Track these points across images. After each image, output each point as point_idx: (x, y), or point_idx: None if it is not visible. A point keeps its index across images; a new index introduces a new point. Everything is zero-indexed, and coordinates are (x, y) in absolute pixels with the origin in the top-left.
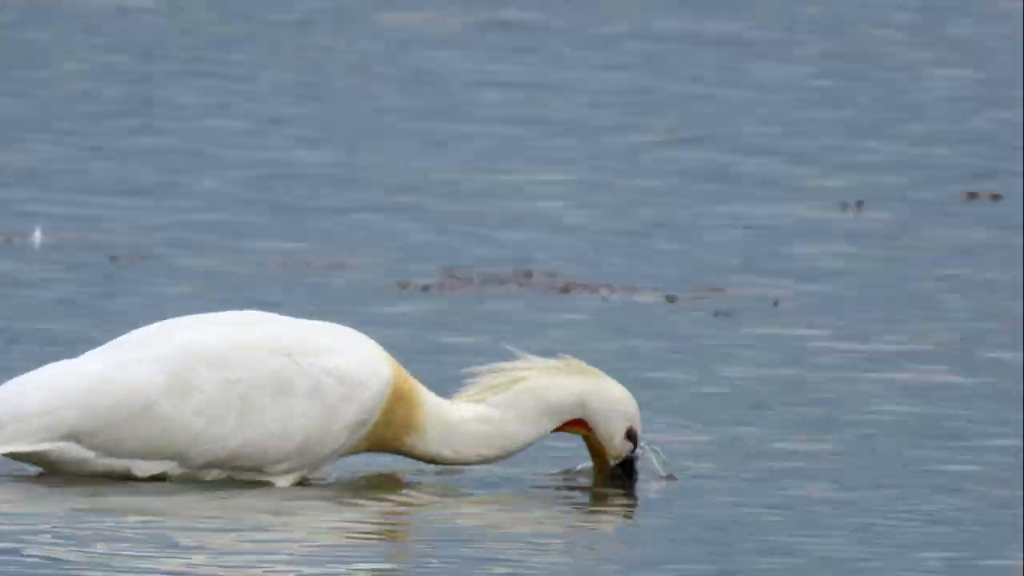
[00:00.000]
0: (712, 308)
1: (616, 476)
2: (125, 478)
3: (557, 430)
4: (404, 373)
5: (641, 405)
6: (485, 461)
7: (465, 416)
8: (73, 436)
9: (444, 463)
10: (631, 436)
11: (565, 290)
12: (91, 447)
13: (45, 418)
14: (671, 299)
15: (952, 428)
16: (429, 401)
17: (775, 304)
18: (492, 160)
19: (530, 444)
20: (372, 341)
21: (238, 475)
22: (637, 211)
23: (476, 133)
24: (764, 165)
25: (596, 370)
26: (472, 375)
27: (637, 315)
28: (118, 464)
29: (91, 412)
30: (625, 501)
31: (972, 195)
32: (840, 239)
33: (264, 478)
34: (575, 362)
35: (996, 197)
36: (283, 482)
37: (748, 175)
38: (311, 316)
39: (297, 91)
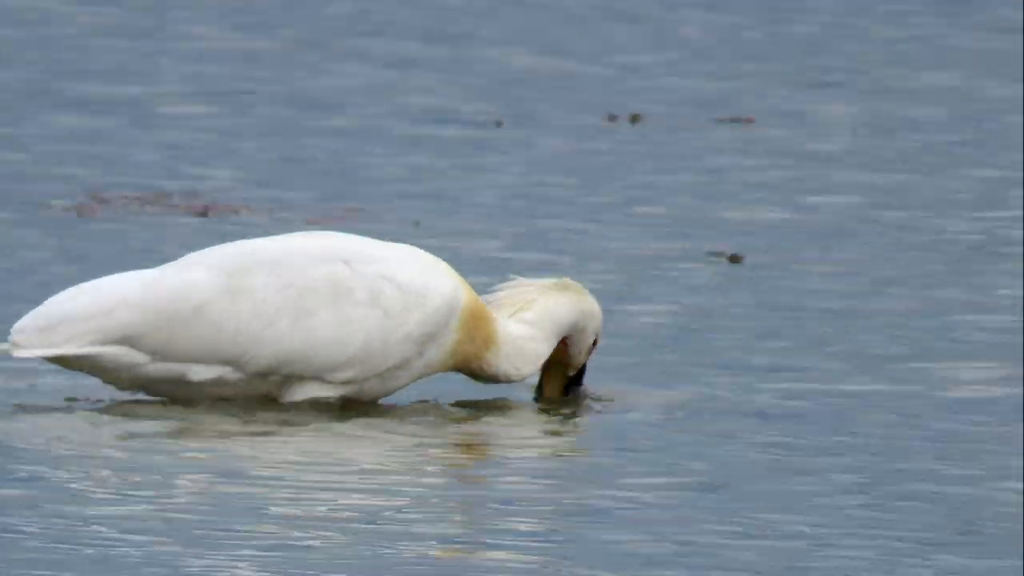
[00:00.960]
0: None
1: (569, 387)
2: (180, 384)
3: None
4: (474, 293)
5: None
6: (523, 379)
7: (521, 333)
8: (126, 339)
9: (506, 381)
10: (594, 345)
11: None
12: (144, 350)
13: (98, 320)
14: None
15: None
16: (496, 318)
17: (416, 224)
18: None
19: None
20: (441, 261)
21: (298, 384)
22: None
23: None
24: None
25: (579, 286)
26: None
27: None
28: (173, 368)
29: (143, 313)
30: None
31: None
32: None
33: (325, 389)
34: (566, 280)
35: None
36: (335, 391)
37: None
38: None
39: None
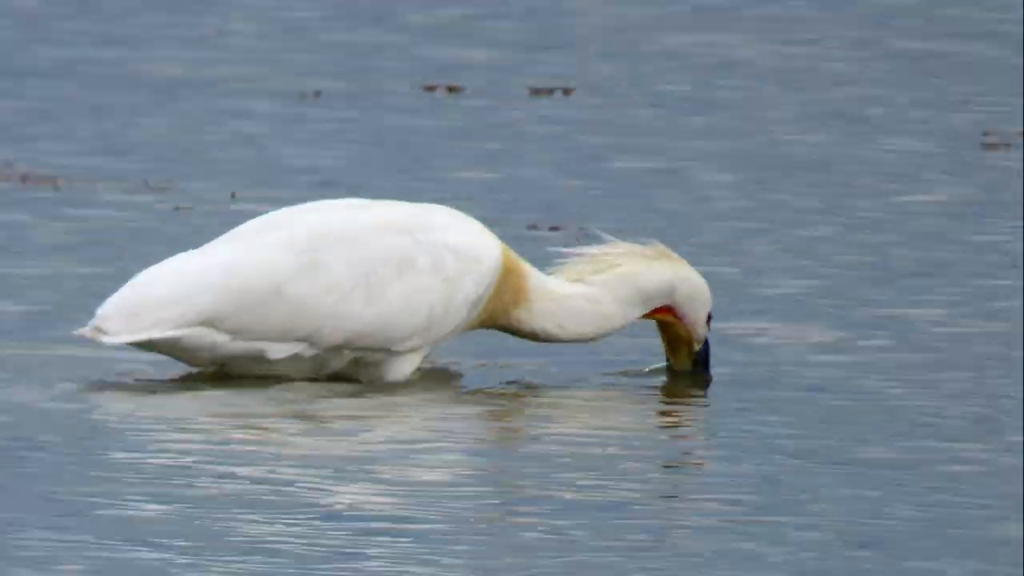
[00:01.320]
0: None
1: (696, 363)
2: (258, 361)
3: (645, 317)
4: (507, 248)
5: None
6: (582, 339)
7: (570, 292)
8: (208, 321)
9: (547, 339)
10: (708, 321)
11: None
12: (225, 331)
13: (181, 304)
14: None
15: None
16: (535, 274)
17: (232, 196)
18: None
19: (622, 328)
20: (472, 219)
21: (367, 356)
22: None
23: None
24: None
25: (679, 257)
26: (563, 258)
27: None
28: (252, 347)
29: (225, 296)
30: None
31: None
32: None
33: (391, 360)
34: (662, 248)
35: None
36: (409, 363)
37: None
38: None
39: None
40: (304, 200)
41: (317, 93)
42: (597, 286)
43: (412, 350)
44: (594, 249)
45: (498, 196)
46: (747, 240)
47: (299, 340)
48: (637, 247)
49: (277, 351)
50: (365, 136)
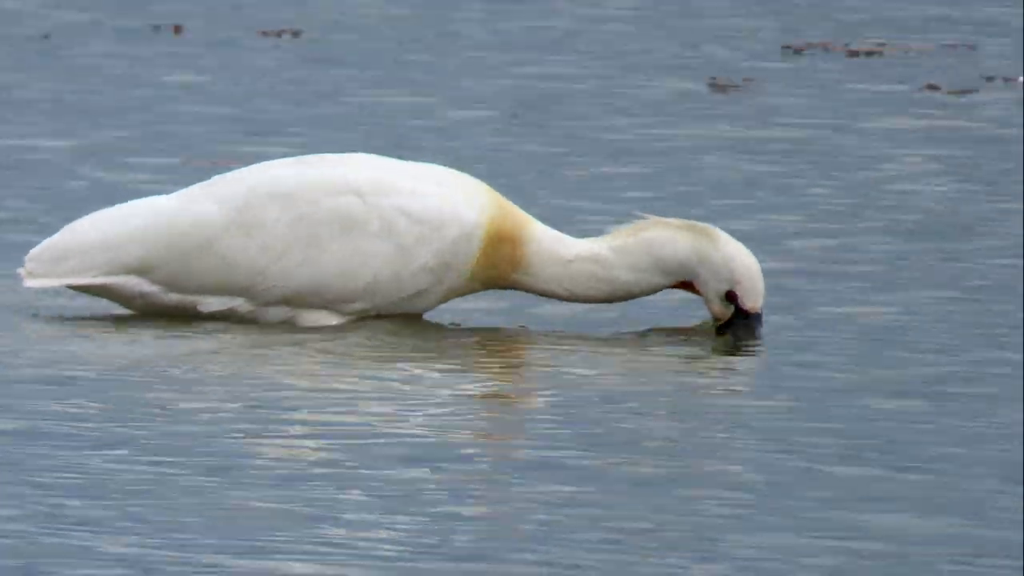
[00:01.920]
0: None
1: (726, 327)
2: (192, 316)
3: (676, 287)
4: (510, 212)
5: None
6: (592, 301)
7: (577, 254)
8: (137, 270)
9: (557, 298)
10: (731, 299)
11: None
12: (156, 281)
13: (110, 252)
14: None
15: None
16: (539, 237)
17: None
18: None
19: (641, 294)
20: (473, 184)
21: (305, 314)
22: None
23: None
24: None
25: (716, 231)
26: (608, 231)
27: None
28: (185, 300)
29: (154, 246)
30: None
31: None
32: None
33: (335, 317)
34: (699, 224)
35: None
36: (344, 319)
37: None
38: None
39: None
40: None
41: None
42: (611, 251)
43: (359, 313)
44: (637, 221)
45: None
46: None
47: (233, 295)
48: (673, 220)
49: (210, 305)
50: None
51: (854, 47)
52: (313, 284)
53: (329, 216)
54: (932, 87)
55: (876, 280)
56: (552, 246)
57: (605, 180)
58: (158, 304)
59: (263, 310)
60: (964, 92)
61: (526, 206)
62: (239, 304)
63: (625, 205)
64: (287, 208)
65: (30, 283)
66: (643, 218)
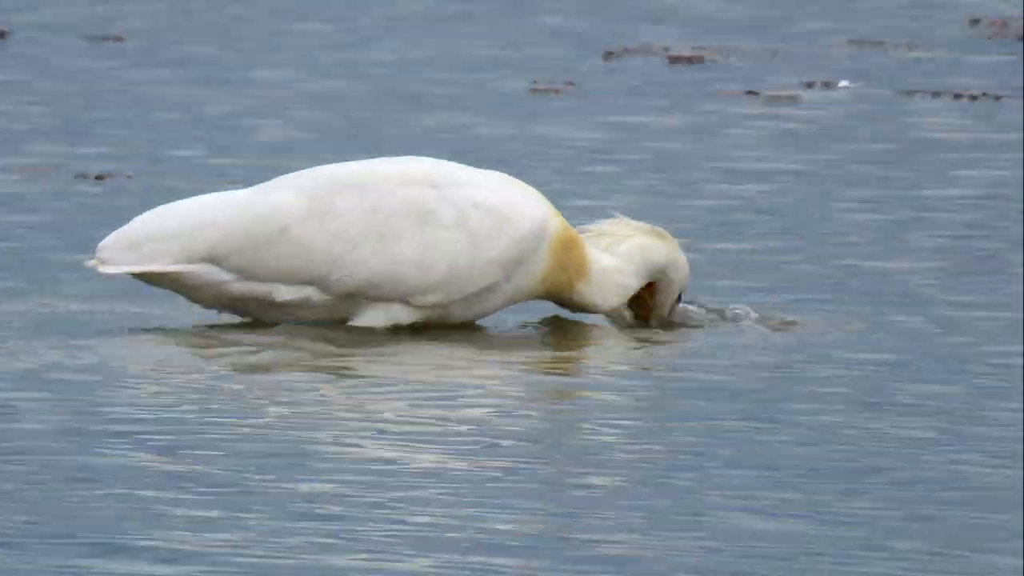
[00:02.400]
0: None
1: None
2: (265, 304)
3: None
4: (566, 223)
5: None
6: (609, 312)
7: (610, 266)
8: (211, 258)
9: (592, 312)
10: (678, 301)
11: None
12: (229, 269)
13: (183, 239)
14: None
15: None
16: (590, 249)
17: None
18: None
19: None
20: (533, 189)
21: (380, 304)
22: None
23: None
24: None
25: (674, 239)
26: (583, 231)
27: None
28: (258, 288)
29: (229, 233)
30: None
31: None
32: None
33: (407, 312)
34: (663, 231)
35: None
36: (418, 315)
37: None
38: None
39: None
40: None
41: None
42: (622, 258)
43: (433, 305)
44: (607, 224)
45: None
46: None
47: (306, 283)
48: (643, 224)
49: (284, 294)
50: None
51: (675, 52)
52: (387, 274)
53: (404, 207)
54: (752, 92)
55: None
56: (599, 258)
57: None
58: (230, 294)
59: (335, 301)
60: (785, 96)
61: None
62: (311, 293)
63: None
64: (363, 197)
65: (103, 270)
66: (613, 217)
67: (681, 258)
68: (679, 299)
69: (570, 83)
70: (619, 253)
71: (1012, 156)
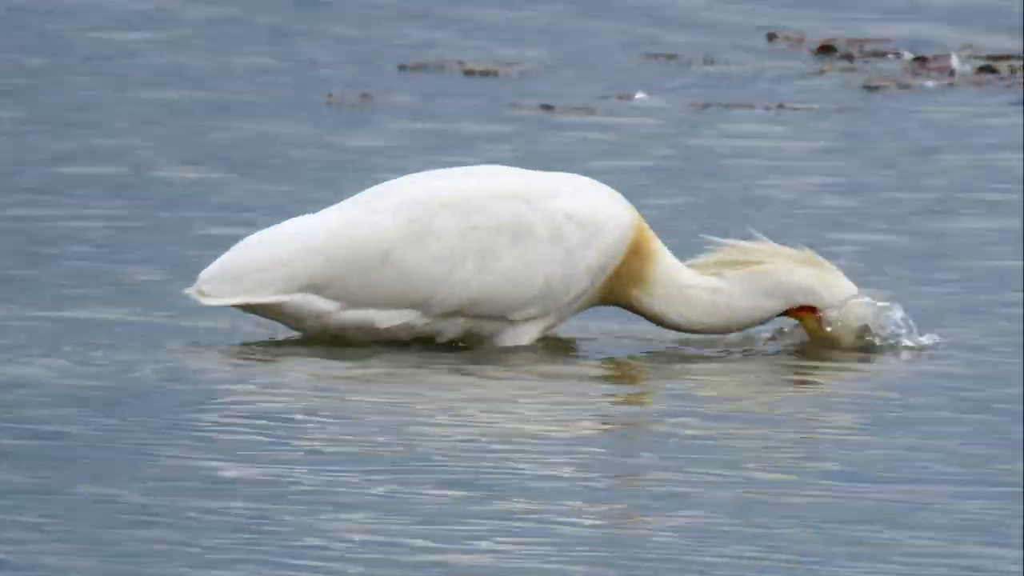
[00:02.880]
0: None
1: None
2: (367, 330)
3: (786, 314)
4: (644, 225)
5: None
6: (709, 330)
7: (695, 283)
8: (313, 287)
9: (669, 325)
10: (864, 333)
11: None
12: (331, 297)
13: (284, 268)
14: None
15: None
16: (664, 260)
17: None
18: None
19: (755, 323)
20: (610, 189)
21: (481, 324)
22: None
23: None
24: None
25: (828, 263)
26: (710, 244)
27: None
28: (360, 316)
29: (331, 261)
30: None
31: None
32: None
33: (508, 328)
34: (810, 253)
35: None
36: (528, 333)
37: None
38: None
39: None
40: None
41: None
42: (729, 280)
43: (530, 319)
44: (746, 243)
45: None
46: None
47: (409, 308)
48: (786, 249)
49: (387, 319)
50: None
51: (471, 66)
52: (488, 292)
53: (500, 223)
54: (546, 107)
55: None
56: (672, 270)
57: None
58: (332, 323)
59: (438, 323)
60: (581, 109)
61: None
62: (414, 318)
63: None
64: (459, 217)
65: (206, 302)
66: (747, 243)
67: (836, 283)
68: (867, 328)
69: (365, 95)
70: (728, 276)
71: (816, 164)
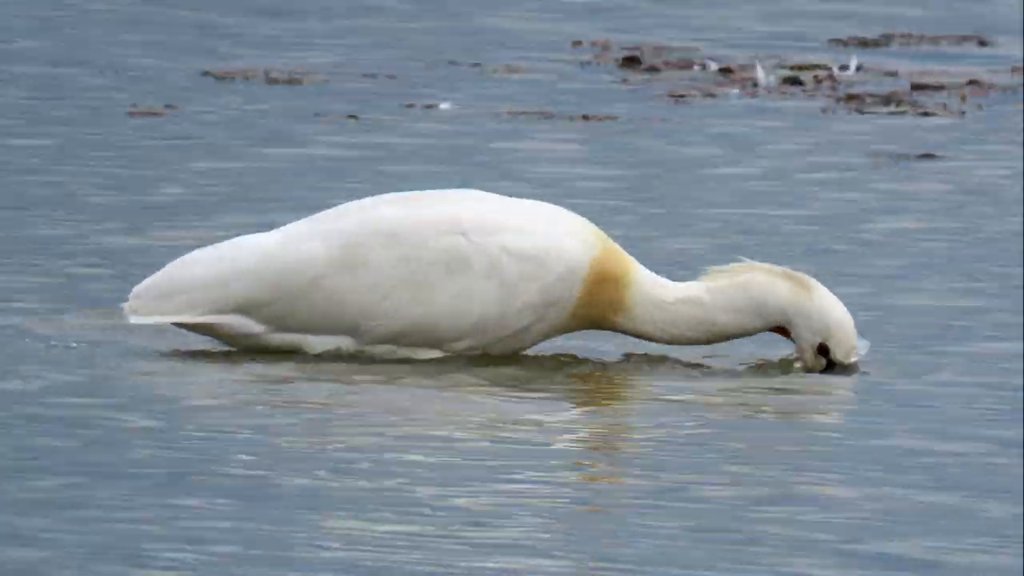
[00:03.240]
0: None
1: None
2: (297, 354)
3: (773, 331)
4: (613, 253)
5: None
6: (691, 343)
7: (677, 297)
8: (242, 309)
9: (656, 341)
10: (823, 351)
11: None
12: (261, 320)
13: (214, 290)
14: None
15: None
16: (641, 280)
17: None
18: None
19: (736, 336)
20: (579, 222)
21: (416, 353)
22: None
23: None
24: None
25: (813, 282)
26: (706, 271)
27: None
28: (290, 339)
29: (259, 284)
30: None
31: None
32: None
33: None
34: (796, 273)
35: None
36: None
37: None
38: None
39: None
40: None
41: None
42: (711, 293)
43: (466, 351)
44: (736, 266)
45: None
46: None
47: (339, 334)
48: (774, 268)
49: (318, 344)
50: None
51: (274, 75)
52: (420, 323)
53: (435, 256)
54: (352, 116)
55: None
56: (653, 290)
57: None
58: (261, 345)
59: (369, 349)
60: (386, 120)
61: None
62: (346, 344)
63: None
64: (393, 247)
65: (134, 319)
66: (740, 261)
67: (811, 305)
68: (825, 351)
69: (170, 106)
70: (708, 287)
71: (616, 173)
